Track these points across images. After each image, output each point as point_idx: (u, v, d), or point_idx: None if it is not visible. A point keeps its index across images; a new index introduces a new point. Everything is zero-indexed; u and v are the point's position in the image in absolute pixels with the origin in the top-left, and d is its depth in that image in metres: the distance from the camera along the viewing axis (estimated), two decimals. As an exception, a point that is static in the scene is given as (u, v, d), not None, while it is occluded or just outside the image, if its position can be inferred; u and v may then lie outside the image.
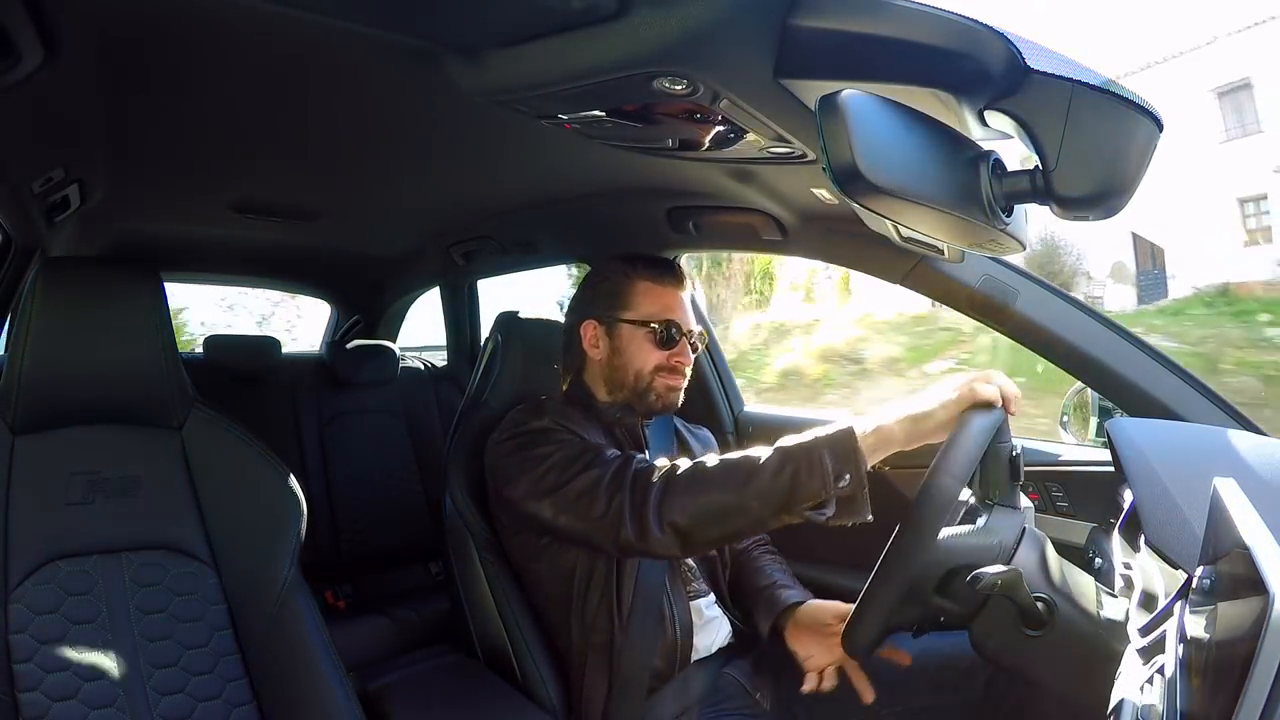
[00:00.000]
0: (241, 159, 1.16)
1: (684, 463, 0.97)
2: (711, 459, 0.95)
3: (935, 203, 0.57)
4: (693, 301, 1.25)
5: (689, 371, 1.19)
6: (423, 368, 2.35)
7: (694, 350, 1.19)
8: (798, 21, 0.63)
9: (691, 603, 1.15)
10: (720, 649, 1.16)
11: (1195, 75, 11.61)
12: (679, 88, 0.71)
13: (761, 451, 0.90)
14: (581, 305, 1.21)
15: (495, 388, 1.28)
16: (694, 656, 1.12)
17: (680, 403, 1.19)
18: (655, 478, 0.95)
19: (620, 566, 1.08)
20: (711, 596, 1.19)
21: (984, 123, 0.65)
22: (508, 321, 1.32)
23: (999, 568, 0.78)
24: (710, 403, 1.69)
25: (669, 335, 1.15)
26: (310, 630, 1.00)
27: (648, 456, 1.18)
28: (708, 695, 1.10)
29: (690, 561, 1.18)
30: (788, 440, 0.89)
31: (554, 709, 1.08)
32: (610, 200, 1.28)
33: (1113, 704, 0.63)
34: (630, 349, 1.16)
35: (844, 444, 0.85)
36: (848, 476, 0.84)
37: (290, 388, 2.10)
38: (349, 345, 2.27)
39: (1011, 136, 0.63)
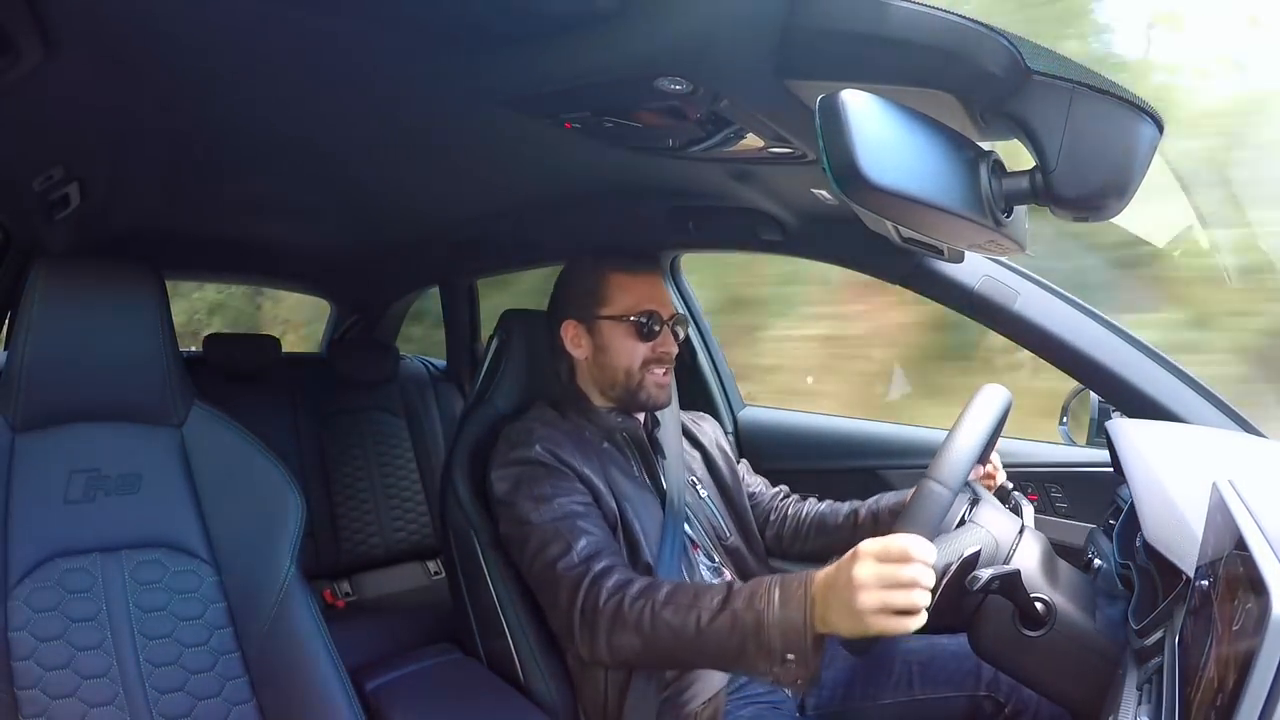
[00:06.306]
0: (241, 158, 1.16)
1: (637, 584, 0.93)
2: (664, 589, 0.91)
3: (935, 203, 0.57)
4: (676, 287, 1.22)
5: (674, 358, 1.18)
6: (423, 367, 2.35)
7: (678, 336, 1.18)
8: (798, 22, 0.63)
9: None
10: None
11: None
12: (680, 88, 0.71)
13: (715, 595, 0.87)
14: (558, 306, 1.20)
15: (499, 386, 1.28)
16: None
17: (671, 399, 1.19)
18: (604, 601, 0.92)
19: (631, 564, 1.07)
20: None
21: (984, 124, 0.65)
22: (512, 319, 1.32)
23: (998, 568, 0.78)
24: (710, 404, 1.69)
25: (650, 326, 1.14)
26: (310, 629, 1.00)
27: (658, 466, 1.17)
28: (733, 680, 1.09)
29: (707, 558, 1.17)
30: (740, 596, 0.85)
31: (556, 711, 1.08)
32: (610, 200, 1.28)
33: (1111, 705, 0.63)
34: (613, 345, 1.15)
35: (794, 625, 0.81)
36: (791, 656, 0.81)
37: (290, 386, 2.10)
38: (348, 344, 2.27)
39: (1011, 138, 0.63)
